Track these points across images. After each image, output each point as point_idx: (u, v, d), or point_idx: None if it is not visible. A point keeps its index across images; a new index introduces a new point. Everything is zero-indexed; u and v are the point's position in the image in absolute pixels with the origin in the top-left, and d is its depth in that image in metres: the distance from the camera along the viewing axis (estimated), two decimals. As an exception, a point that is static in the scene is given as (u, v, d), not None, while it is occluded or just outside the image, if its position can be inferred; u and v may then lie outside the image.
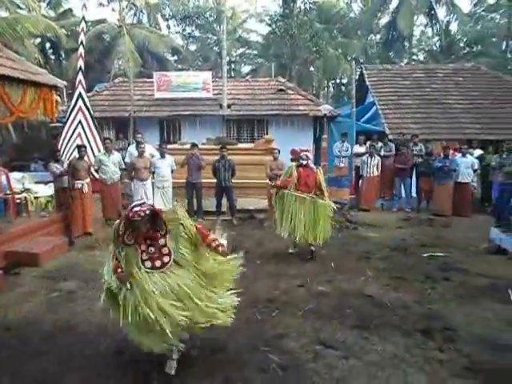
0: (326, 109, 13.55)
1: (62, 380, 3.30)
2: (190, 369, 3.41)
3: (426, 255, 6.45)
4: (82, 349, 3.69)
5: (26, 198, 7.81)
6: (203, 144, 10.79)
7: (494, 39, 28.21)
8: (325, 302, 4.70)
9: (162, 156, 8.83)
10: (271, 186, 7.30)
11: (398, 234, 7.88)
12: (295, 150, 7.64)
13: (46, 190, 8.94)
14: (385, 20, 28.38)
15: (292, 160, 7.70)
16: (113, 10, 25.26)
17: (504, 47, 26.29)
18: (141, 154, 8.31)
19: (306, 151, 6.49)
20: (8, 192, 7.18)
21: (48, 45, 23.03)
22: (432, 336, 3.89)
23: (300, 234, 6.01)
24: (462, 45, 29.48)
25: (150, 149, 9.32)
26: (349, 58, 27.32)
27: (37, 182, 9.39)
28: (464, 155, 9.75)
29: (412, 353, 3.63)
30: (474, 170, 9.76)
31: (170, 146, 10.31)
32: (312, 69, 28.07)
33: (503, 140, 9.95)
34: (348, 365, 3.46)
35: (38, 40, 22.33)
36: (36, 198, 8.58)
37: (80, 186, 7.63)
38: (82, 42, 10.99)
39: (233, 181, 8.85)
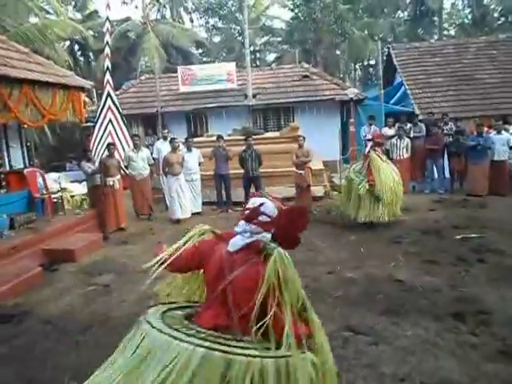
0: (352, 92, 13.31)
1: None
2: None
3: (459, 237, 6.26)
4: (116, 339, 3.82)
5: (61, 197, 8.15)
6: (229, 135, 10.85)
7: (532, 6, 26.66)
8: (354, 289, 4.67)
9: (189, 149, 8.94)
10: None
11: (431, 216, 7.67)
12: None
13: (81, 189, 9.29)
14: (412, -5, 27.35)
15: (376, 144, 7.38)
16: (136, 7, 25.62)
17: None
18: (174, 149, 8.44)
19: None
20: (44, 192, 7.49)
21: (76, 47, 23.65)
22: (464, 320, 3.80)
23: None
24: (496, 15, 28.01)
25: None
26: (376, 38, 26.56)
27: (72, 181, 9.78)
28: (499, 132, 9.34)
29: (443, 337, 3.56)
30: (510, 147, 9.34)
31: (196, 139, 10.44)
32: (338, 52, 27.50)
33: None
34: (378, 350, 3.43)
35: (67, 43, 22.98)
36: (72, 196, 8.95)
37: (111, 183, 7.85)
38: (107, 42, 11.20)
39: (260, 170, 8.87)
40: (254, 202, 2.14)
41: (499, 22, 27.35)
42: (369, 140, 10.25)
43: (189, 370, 1.69)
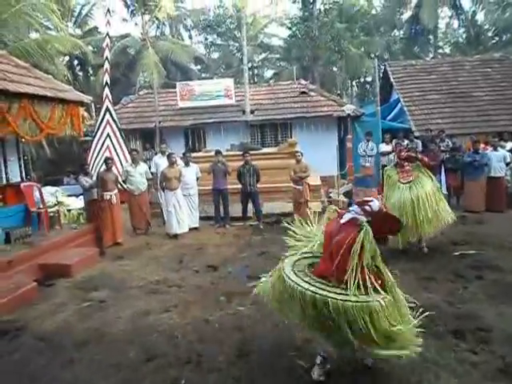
0: (349, 108, 13.42)
1: (93, 387, 3.40)
2: (218, 372, 3.43)
3: (457, 253, 6.25)
4: (113, 356, 3.78)
5: (58, 211, 8.10)
6: (227, 150, 10.89)
7: (524, 27, 27.17)
8: (352, 305, 4.62)
9: (187, 164, 8.96)
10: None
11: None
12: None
13: (78, 203, 9.24)
14: (407, 15, 27.78)
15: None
16: (136, 24, 25.85)
17: (535, 34, 25.30)
18: (172, 164, 8.45)
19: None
20: (41, 206, 7.46)
21: (76, 62, 23.84)
22: (464, 337, 3.77)
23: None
24: (489, 35, 28.49)
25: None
26: (372, 56, 26.93)
27: (69, 195, 9.73)
28: (495, 148, 9.42)
29: (443, 355, 3.52)
30: (507, 164, 9.41)
31: (194, 154, 10.46)
32: (335, 69, 27.82)
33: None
34: (377, 368, 3.39)
35: (67, 58, 23.15)
36: (68, 210, 8.89)
37: (108, 197, 7.83)
38: (107, 58, 11.29)
39: (258, 186, 8.88)
40: (368, 197, 3.41)
41: (493, 41, 27.82)
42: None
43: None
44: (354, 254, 2.93)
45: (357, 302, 2.81)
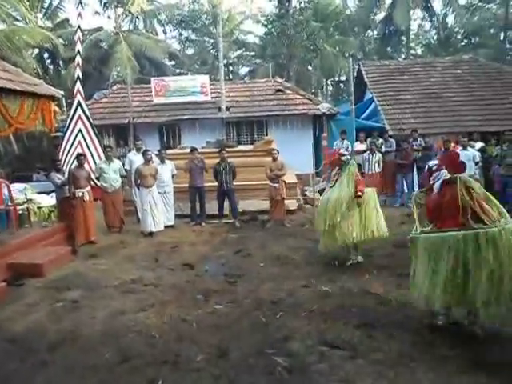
0: (324, 107, 13.54)
1: (67, 390, 3.30)
2: (196, 372, 3.40)
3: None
4: (87, 358, 3.68)
5: (28, 208, 7.85)
6: (203, 148, 10.80)
7: (491, 30, 28.11)
8: (329, 302, 4.67)
9: (162, 162, 8.84)
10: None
11: (402, 229, 7.80)
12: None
13: (49, 200, 8.96)
14: (381, 15, 28.29)
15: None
16: (108, 17, 25.32)
17: (502, 38, 26.17)
18: (147, 161, 8.31)
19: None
20: (9, 203, 7.20)
21: (46, 55, 23.14)
22: (438, 332, 3.86)
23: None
24: (459, 37, 29.38)
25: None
26: (346, 55, 27.26)
27: (39, 193, 9.42)
28: (465, 148, 9.68)
29: (418, 350, 3.59)
30: (476, 163, 9.69)
31: (170, 151, 10.34)
32: (310, 68, 28.02)
33: (504, 131, 9.90)
34: (354, 365, 3.43)
35: (36, 51, 22.44)
36: (39, 208, 8.61)
37: (81, 194, 7.63)
38: (78, 51, 10.98)
39: (234, 183, 8.85)
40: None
41: (463, 44, 28.67)
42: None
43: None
44: (465, 201, 3.55)
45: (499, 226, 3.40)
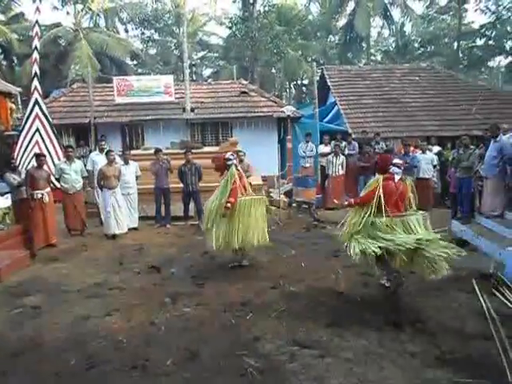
0: (289, 110, 13.67)
1: (30, 400, 3.16)
2: (166, 377, 3.34)
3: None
4: (51, 365, 3.53)
5: (-20, 210, 7.44)
6: (167, 148, 10.65)
7: (446, 39, 29.46)
8: (298, 303, 4.72)
9: (126, 163, 8.64)
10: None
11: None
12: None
13: (4, 202, 8.53)
14: (342, 22, 29.02)
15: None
16: (67, 13, 24.55)
17: (455, 47, 27.47)
18: (111, 162, 8.08)
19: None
20: (-39, 205, 6.82)
21: (-1, 50, 22.13)
22: (403, 329, 3.98)
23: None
24: (416, 45, 30.58)
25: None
26: (309, 60, 27.72)
27: (-8, 194, 8.96)
28: (424, 152, 10.07)
29: (385, 347, 3.70)
30: (434, 166, 10.10)
31: (133, 152, 10.12)
32: (274, 71, 28.30)
33: (459, 136, 10.37)
34: (324, 363, 3.48)
35: (-12, 45, 21.43)
36: (-8, 210, 8.18)
37: (40, 196, 7.33)
38: (36, 47, 10.54)
39: (199, 185, 8.77)
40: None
41: (419, 52, 29.84)
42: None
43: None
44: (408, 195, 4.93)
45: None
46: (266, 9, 22.98)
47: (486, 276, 5.18)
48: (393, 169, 4.91)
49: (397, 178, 4.89)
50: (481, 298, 4.21)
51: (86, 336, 4.03)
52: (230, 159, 6.03)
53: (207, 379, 3.31)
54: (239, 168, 6.28)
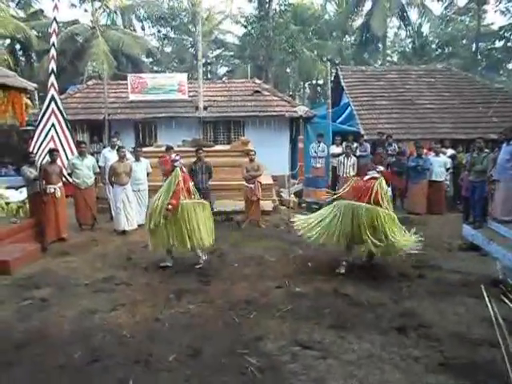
0: (301, 110, 13.63)
1: (34, 391, 3.22)
2: (168, 372, 3.37)
3: (401, 253, 6.51)
4: (56, 358, 3.60)
5: (-5, 203, 7.60)
6: (179, 146, 10.71)
7: (464, 41, 29.02)
8: (302, 303, 4.71)
9: (137, 159, 8.72)
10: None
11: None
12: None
13: (18, 195, 8.70)
14: (359, 22, 28.76)
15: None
16: (85, 10, 24.83)
17: (474, 49, 27.04)
18: (122, 159, 8.17)
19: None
20: (-24, 198, 6.96)
21: (18, 46, 22.49)
22: (407, 333, 3.95)
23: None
24: (433, 46, 30.17)
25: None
26: (324, 60, 27.58)
27: (8, 188, 9.14)
28: (437, 154, 9.96)
29: (388, 350, 3.67)
30: (447, 169, 9.98)
31: (145, 149, 10.20)
32: (288, 70, 28.22)
33: (473, 139, 10.21)
34: (326, 365, 3.47)
35: (8, 41, 21.80)
36: (7, 203, 8.35)
37: (52, 190, 7.44)
38: (53, 44, 10.73)
39: (210, 183, 8.80)
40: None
41: (437, 53, 29.45)
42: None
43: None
44: (374, 190, 5.45)
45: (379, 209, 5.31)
46: (282, 8, 22.91)
47: (496, 282, 5.09)
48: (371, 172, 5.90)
49: (366, 177, 5.82)
50: (488, 304, 4.14)
51: (91, 330, 4.09)
52: (177, 160, 6.06)
53: (208, 376, 3.33)
54: (185, 170, 6.31)
